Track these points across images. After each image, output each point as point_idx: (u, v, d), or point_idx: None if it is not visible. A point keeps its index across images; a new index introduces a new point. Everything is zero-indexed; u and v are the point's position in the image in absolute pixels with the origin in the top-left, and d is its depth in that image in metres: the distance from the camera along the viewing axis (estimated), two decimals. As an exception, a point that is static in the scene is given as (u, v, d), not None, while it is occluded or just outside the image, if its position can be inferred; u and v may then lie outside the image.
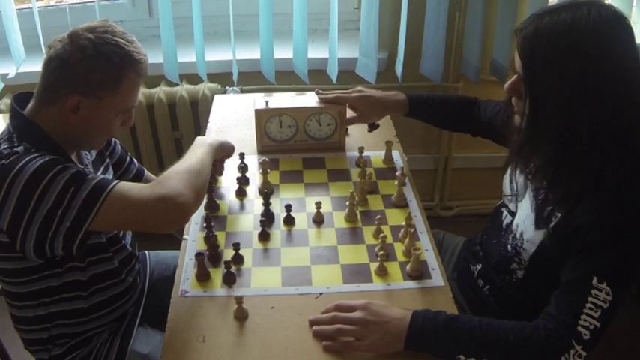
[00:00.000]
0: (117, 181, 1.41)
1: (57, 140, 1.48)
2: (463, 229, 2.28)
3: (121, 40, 1.46)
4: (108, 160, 1.79)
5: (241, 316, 1.41)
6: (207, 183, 1.58)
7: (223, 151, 1.77)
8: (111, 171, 1.80)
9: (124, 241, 1.69)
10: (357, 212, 1.76)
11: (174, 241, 1.78)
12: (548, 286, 1.40)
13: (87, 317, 1.62)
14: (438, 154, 3.15)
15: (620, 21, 1.32)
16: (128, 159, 1.90)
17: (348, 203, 1.75)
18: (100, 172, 1.72)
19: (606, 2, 1.45)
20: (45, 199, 1.33)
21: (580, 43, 1.28)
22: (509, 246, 1.58)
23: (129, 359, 1.64)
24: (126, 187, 1.41)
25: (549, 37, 1.30)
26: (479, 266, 1.73)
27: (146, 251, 1.98)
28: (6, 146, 1.42)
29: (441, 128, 2.11)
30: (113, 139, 1.83)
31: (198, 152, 1.62)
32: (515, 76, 1.41)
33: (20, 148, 1.41)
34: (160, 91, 2.65)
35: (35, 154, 1.39)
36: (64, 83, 1.44)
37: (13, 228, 1.36)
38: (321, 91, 2.01)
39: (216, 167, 1.79)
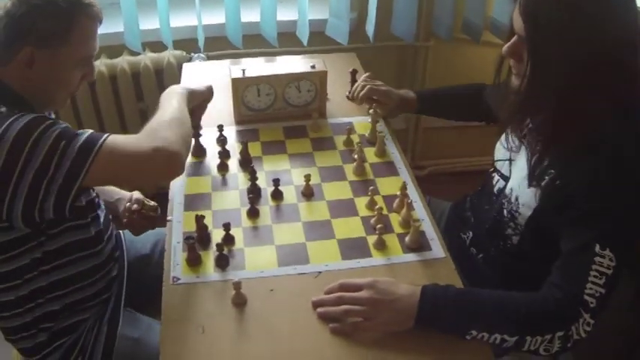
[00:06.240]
0: (108, 133, 1.36)
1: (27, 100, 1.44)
2: (436, 188, 2.29)
3: None
4: None
5: (240, 302, 1.34)
6: (190, 129, 1.53)
7: (197, 98, 1.73)
8: None
9: (99, 210, 1.61)
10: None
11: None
12: (543, 252, 1.39)
13: (67, 289, 1.54)
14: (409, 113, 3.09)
15: None
16: None
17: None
18: None
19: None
20: (34, 157, 1.27)
21: (586, 3, 1.25)
22: (504, 211, 1.54)
23: (119, 345, 1.57)
24: (119, 139, 1.36)
25: None
26: (469, 234, 1.70)
27: (120, 231, 1.89)
28: None
29: (455, 120, 2.08)
30: None
31: (174, 102, 1.56)
32: (515, 37, 1.36)
33: (4, 109, 1.35)
34: (123, 61, 2.52)
35: (18, 114, 1.33)
36: (14, 38, 1.39)
37: (1, 192, 1.29)
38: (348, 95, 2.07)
39: (196, 115, 1.74)
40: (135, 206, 1.74)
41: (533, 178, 1.43)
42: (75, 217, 1.49)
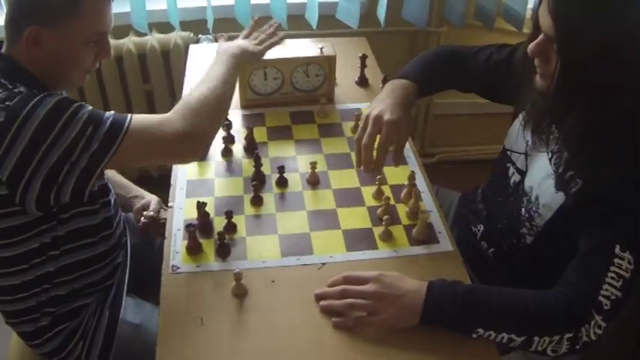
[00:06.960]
0: (130, 115, 1.35)
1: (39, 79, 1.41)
2: (445, 176, 2.26)
3: None
4: None
5: (241, 293, 1.30)
6: (229, 105, 1.55)
7: (253, 57, 1.73)
8: None
9: (110, 195, 1.57)
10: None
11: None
12: (556, 254, 1.35)
13: (74, 274, 1.51)
14: (419, 100, 3.03)
15: None
16: None
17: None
18: None
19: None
20: (61, 140, 1.26)
21: (618, 1, 1.18)
22: (522, 209, 1.49)
23: (120, 330, 1.55)
24: (145, 121, 1.36)
25: None
26: (481, 227, 1.65)
27: (124, 215, 1.86)
28: None
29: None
30: None
31: (223, 68, 1.57)
32: (542, 36, 1.27)
33: (22, 88, 1.32)
34: (129, 41, 2.47)
35: (42, 94, 1.30)
36: (21, 16, 1.36)
37: (17, 174, 1.26)
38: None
39: None
40: (151, 213, 1.73)
41: (562, 186, 1.37)
42: (85, 203, 1.45)
